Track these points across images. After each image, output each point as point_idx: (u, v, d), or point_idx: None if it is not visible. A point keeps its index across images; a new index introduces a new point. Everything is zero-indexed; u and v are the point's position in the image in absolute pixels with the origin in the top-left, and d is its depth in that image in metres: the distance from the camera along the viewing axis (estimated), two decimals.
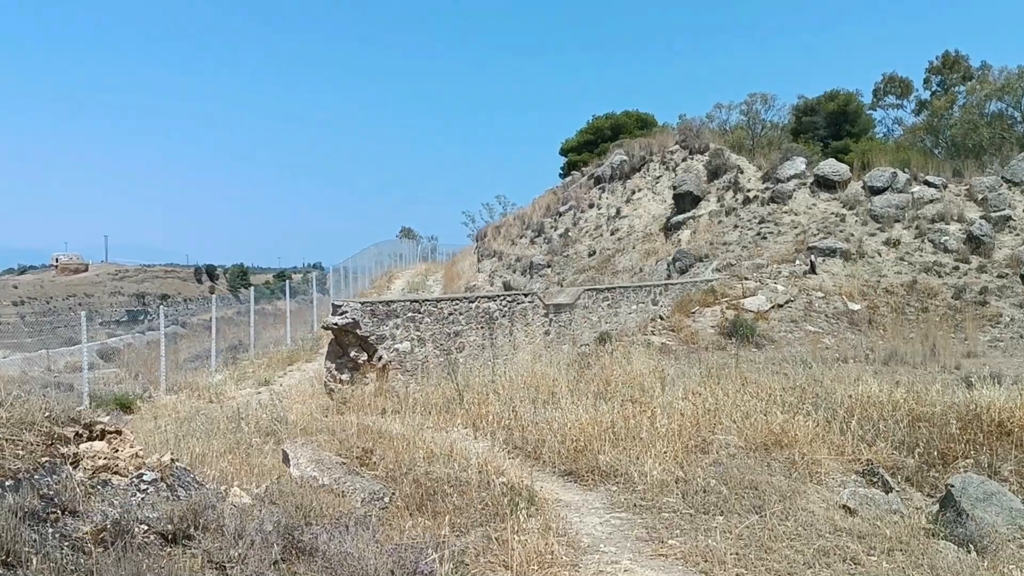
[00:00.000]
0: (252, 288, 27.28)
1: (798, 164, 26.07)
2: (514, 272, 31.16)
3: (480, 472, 6.20)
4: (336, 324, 11.83)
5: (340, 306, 11.97)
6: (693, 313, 19.34)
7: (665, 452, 6.95)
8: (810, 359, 13.96)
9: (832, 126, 35.16)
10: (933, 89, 38.81)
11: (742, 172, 27.55)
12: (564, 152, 45.59)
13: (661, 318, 19.09)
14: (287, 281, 29.74)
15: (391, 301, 12.61)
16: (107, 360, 23.36)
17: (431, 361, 12.75)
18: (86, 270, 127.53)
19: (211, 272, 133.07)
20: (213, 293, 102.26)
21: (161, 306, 17.52)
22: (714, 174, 28.25)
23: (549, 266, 29.50)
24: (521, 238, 34.75)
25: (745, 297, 19.98)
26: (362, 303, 12.06)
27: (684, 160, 30.56)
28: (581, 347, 15.95)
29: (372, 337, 12.01)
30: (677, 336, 17.88)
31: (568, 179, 38.02)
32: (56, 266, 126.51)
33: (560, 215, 33.31)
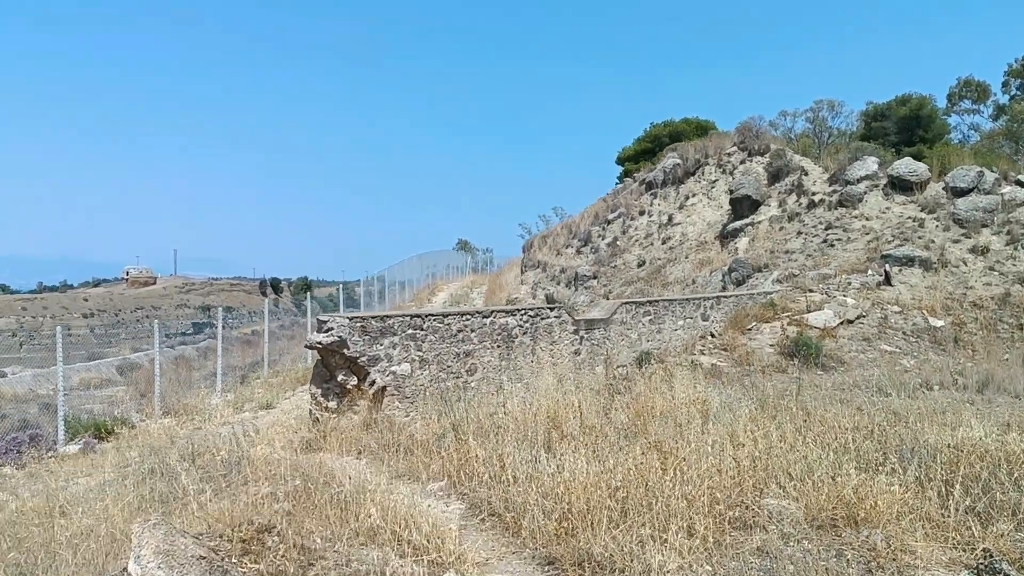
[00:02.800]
0: (267, 300, 26.03)
1: (870, 164, 23.50)
2: (558, 284, 29.21)
3: (416, 561, 4.36)
4: (320, 343, 10.13)
5: (326, 322, 10.28)
6: (749, 330, 17.11)
7: (690, 529, 4.99)
8: (887, 385, 11.70)
9: (904, 132, 32.31)
10: (1012, 93, 36.18)
11: (806, 174, 25.10)
12: (621, 161, 43.43)
13: (712, 335, 16.92)
14: (308, 293, 28.40)
15: (387, 316, 10.86)
16: (124, 376, 22.24)
17: (435, 386, 10.96)
18: (155, 283, 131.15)
19: (275, 285, 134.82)
20: (278, 305, 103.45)
21: (156, 321, 16.18)
22: (775, 176, 25.86)
23: (595, 277, 27.47)
24: (567, 248, 32.78)
25: (809, 311, 17.67)
26: (351, 318, 10.34)
27: (742, 163, 28.22)
28: (618, 368, 13.95)
29: (362, 358, 10.29)
30: (730, 356, 15.71)
31: (619, 185, 35.93)
32: (127, 279, 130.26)
33: (608, 223, 31.22)
